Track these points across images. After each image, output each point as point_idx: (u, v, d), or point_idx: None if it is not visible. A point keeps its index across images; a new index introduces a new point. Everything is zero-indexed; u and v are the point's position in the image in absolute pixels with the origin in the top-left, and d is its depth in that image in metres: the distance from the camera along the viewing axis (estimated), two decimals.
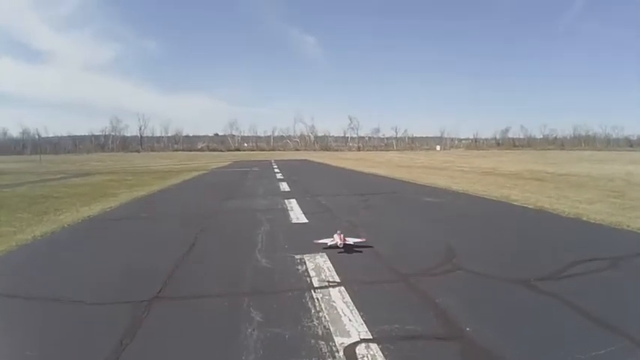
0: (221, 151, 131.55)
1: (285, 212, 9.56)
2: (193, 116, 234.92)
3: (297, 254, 5.63)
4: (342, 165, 37.08)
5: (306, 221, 8.39)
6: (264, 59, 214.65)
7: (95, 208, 10.89)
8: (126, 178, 24.57)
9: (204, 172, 30.22)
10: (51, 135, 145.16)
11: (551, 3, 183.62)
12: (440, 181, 17.74)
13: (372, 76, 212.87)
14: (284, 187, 16.09)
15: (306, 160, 56.97)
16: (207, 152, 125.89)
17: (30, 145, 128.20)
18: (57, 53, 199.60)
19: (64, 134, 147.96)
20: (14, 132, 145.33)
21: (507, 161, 42.90)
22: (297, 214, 9.15)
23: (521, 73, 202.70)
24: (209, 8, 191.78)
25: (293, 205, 10.70)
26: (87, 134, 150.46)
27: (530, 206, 10.19)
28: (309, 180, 20.64)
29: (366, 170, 27.97)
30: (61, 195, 14.77)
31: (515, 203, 10.76)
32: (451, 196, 12.55)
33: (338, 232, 6.05)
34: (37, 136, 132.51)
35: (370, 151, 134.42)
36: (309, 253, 5.68)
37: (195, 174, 27.35)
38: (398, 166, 33.80)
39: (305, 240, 6.46)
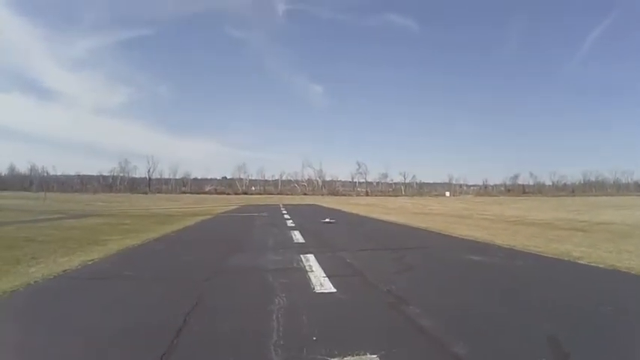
0: (229, 194, 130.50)
1: (303, 274, 7.51)
2: (202, 159, 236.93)
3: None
4: (354, 211, 35.20)
5: (333, 290, 6.30)
6: (272, 105, 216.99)
7: (76, 260, 9.18)
8: (124, 222, 22.73)
9: (209, 216, 28.32)
10: (59, 173, 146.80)
11: (557, 50, 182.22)
12: (471, 232, 15.68)
13: (379, 122, 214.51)
14: (297, 237, 14.00)
15: (315, 205, 55.15)
16: (215, 195, 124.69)
17: (37, 182, 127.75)
18: (67, 93, 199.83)
19: (73, 173, 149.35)
20: (22, 168, 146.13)
21: (528, 209, 40.77)
22: (319, 278, 7.09)
23: (530, 120, 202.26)
24: (219, 55, 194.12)
25: (311, 262, 8.66)
26: (95, 174, 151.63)
27: (600, 265, 8.43)
28: (323, 229, 18.61)
29: (383, 217, 25.99)
30: (47, 239, 13.10)
31: (581, 262, 8.93)
32: (499, 253, 10.43)
33: None
34: (45, 174, 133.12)
35: (378, 196, 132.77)
36: (354, 354, 3.68)
37: (199, 219, 25.43)
38: (414, 213, 31.83)
39: (339, 324, 4.63)
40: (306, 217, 28.67)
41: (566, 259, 9.34)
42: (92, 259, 9.35)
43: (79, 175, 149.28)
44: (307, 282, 6.84)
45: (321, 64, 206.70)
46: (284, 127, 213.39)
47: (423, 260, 9.51)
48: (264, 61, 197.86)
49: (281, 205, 48.15)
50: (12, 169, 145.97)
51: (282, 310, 5.18)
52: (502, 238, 13.52)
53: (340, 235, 15.73)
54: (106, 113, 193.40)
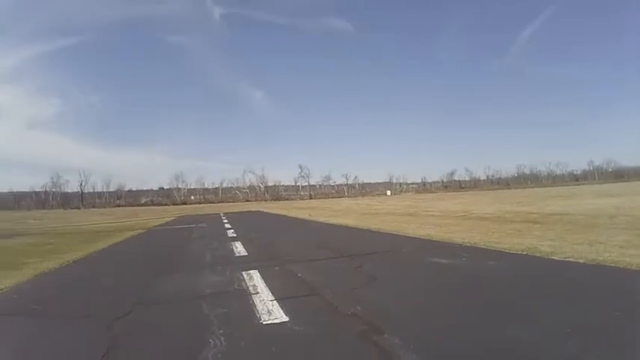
0: (166, 205, 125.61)
1: (246, 298, 6.05)
2: (137, 170, 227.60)
3: None
4: (300, 216, 33.71)
5: (285, 319, 4.93)
6: (211, 112, 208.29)
7: None
8: (49, 241, 20.34)
9: (141, 231, 26.00)
10: None
11: (494, 43, 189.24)
12: (425, 231, 14.74)
13: (321, 125, 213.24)
14: (239, 249, 12.37)
15: (258, 211, 53.38)
16: (152, 207, 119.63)
17: None
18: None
19: (6, 190, 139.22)
20: None
21: (470, 203, 40.99)
22: (265, 303, 5.67)
23: (464, 117, 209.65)
24: (154, 62, 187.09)
25: (256, 281, 7.22)
26: (28, 190, 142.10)
27: (581, 260, 7.58)
28: (269, 237, 17.09)
29: (331, 220, 24.68)
30: None
31: (556, 258, 8.08)
32: (464, 252, 9.41)
33: None
34: None
35: (322, 199, 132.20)
36: None
37: (129, 234, 23.19)
38: (362, 214, 30.87)
39: None
40: (249, 225, 27.05)
41: (538, 255, 8.48)
42: (1, 289, 7.84)
43: (11, 192, 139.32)
44: (251, 309, 5.43)
45: (261, 68, 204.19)
46: (224, 135, 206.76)
47: (385, 268, 8.28)
48: (203, 67, 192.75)
49: (222, 214, 45.83)
50: None
51: (219, 358, 3.79)
52: (459, 235, 12.62)
53: (287, 243, 14.30)
54: (38, 127, 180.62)
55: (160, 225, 32.10)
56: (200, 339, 4.32)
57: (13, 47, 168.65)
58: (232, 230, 20.79)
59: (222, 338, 4.30)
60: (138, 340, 4.60)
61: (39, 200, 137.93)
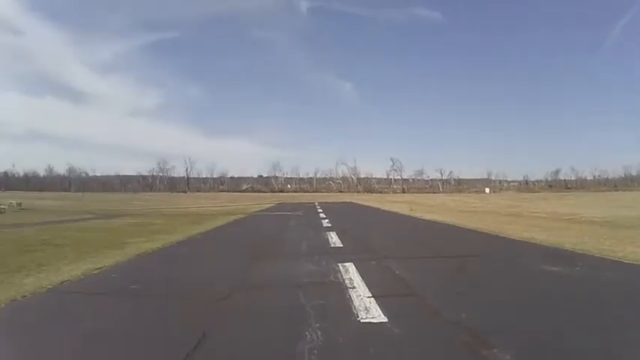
0: (264, 192, 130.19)
1: (342, 292, 5.92)
2: (238, 158, 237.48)
3: None
4: (393, 209, 33.27)
5: (384, 319, 4.68)
6: (304, 104, 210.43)
7: (81, 268, 8.06)
8: (153, 221, 21.82)
9: (242, 216, 27.13)
10: (99, 174, 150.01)
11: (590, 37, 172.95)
12: (530, 233, 13.68)
13: (413, 116, 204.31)
14: (334, 240, 12.38)
15: (351, 202, 53.50)
16: (252, 193, 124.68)
17: (76, 183, 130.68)
18: (100, 96, 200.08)
19: (112, 174, 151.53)
20: (61, 169, 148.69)
21: (578, 205, 37.99)
22: (362, 300, 5.47)
23: (570, 113, 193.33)
24: (246, 55, 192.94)
25: (352, 274, 7.08)
26: (134, 174, 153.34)
27: None
28: (363, 230, 16.96)
29: (427, 216, 24.00)
30: (64, 242, 12.17)
31: None
32: (575, 260, 8.49)
33: None
34: (83, 174, 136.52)
35: (415, 193, 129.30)
36: None
37: (231, 218, 24.25)
38: (459, 212, 29.76)
39: None
40: (343, 216, 27.14)
41: None
42: (100, 267, 8.22)
43: (118, 176, 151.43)
44: (348, 305, 5.26)
45: (348, 60, 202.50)
46: (317, 125, 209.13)
47: (489, 272, 7.74)
48: (292, 60, 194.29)
49: (316, 204, 46.60)
50: (50, 170, 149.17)
51: (316, 355, 3.66)
52: (569, 240, 11.55)
53: (382, 237, 14.07)
54: (141, 115, 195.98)
55: (259, 211, 33.25)
56: (296, 331, 4.23)
57: (110, 39, 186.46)
58: (327, 220, 20.94)
59: (319, 333, 4.17)
60: (234, 326, 4.62)
61: (145, 184, 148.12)
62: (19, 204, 37.17)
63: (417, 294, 5.92)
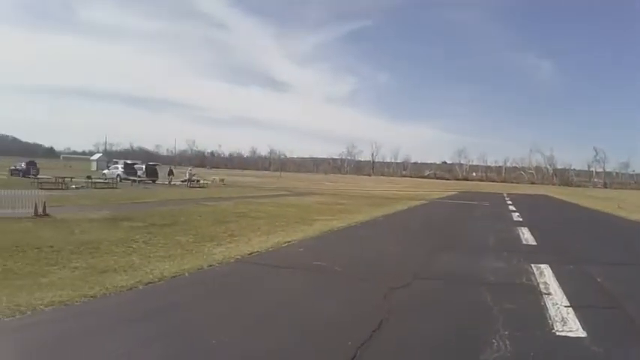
0: (448, 179, 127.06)
1: (535, 297, 5.35)
2: (421, 144, 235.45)
3: None
4: (597, 206, 29.16)
5: (582, 334, 4.07)
6: (493, 88, 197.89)
7: (271, 241, 8.88)
8: (340, 201, 22.98)
9: (424, 202, 26.86)
10: (295, 156, 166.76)
11: None
12: None
13: (624, 100, 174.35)
14: (526, 236, 11.39)
15: (545, 196, 48.87)
16: (434, 180, 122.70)
17: (275, 163, 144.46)
18: (299, 85, 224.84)
19: (307, 156, 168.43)
20: (262, 151, 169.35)
21: None
22: (559, 308, 4.86)
23: None
24: (435, 39, 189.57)
25: (547, 278, 6.38)
26: (326, 157, 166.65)
27: None
28: (559, 228, 15.39)
29: (632, 217, 20.61)
30: (259, 215, 13.59)
31: None
32: None
33: None
34: (282, 156, 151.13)
35: (618, 189, 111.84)
36: None
37: (412, 203, 24.18)
38: None
39: None
40: (536, 210, 24.94)
41: None
42: (289, 241, 8.93)
43: (312, 158, 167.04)
44: (542, 313, 4.75)
45: (548, 37, 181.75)
46: (509, 110, 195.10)
47: None
48: (483, 38, 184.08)
49: (505, 195, 43.66)
50: (253, 151, 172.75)
51: None
52: None
53: (583, 238, 12.56)
54: (334, 102, 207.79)
55: (442, 198, 32.59)
56: (481, 336, 3.93)
57: (310, 32, 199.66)
58: (518, 214, 19.46)
59: (507, 342, 3.78)
60: (412, 319, 4.48)
61: (335, 166, 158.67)
62: (222, 180, 42.35)
63: (622, 307, 5.10)
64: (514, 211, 21.12)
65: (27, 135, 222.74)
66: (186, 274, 5.92)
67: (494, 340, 3.80)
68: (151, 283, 5.39)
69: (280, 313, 4.51)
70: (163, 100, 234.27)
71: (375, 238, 10.55)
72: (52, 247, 7.53)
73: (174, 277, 5.73)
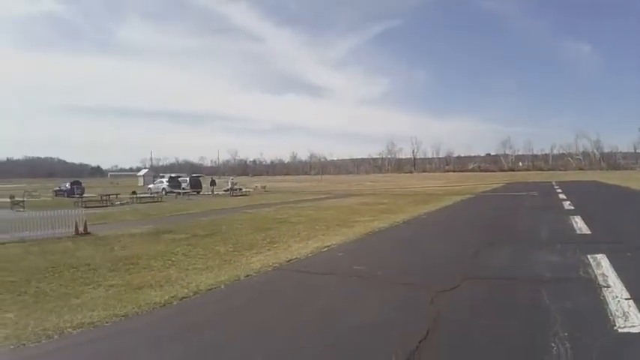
0: (493, 171, 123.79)
1: (594, 293, 4.90)
2: (464, 137, 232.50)
3: None
4: None
5: None
6: (535, 74, 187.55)
7: (311, 246, 8.73)
8: (382, 201, 22.65)
9: (470, 196, 26.08)
10: (335, 158, 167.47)
11: None
12: None
13: None
14: (579, 225, 10.75)
15: (594, 181, 46.65)
16: (479, 173, 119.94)
17: (316, 167, 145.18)
18: (334, 90, 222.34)
19: (346, 157, 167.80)
20: (303, 156, 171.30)
21: None
22: (620, 302, 4.44)
23: None
24: (470, 30, 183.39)
25: (605, 269, 5.91)
26: (366, 157, 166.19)
27: None
28: (612, 214, 14.56)
29: None
30: (299, 220, 13.50)
31: None
32: None
33: None
34: (322, 159, 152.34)
35: None
36: None
37: (457, 199, 23.51)
38: None
39: None
40: (587, 197, 23.80)
41: None
42: (328, 245, 8.72)
43: (352, 159, 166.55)
44: (602, 308, 4.35)
45: (587, 19, 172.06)
46: (552, 97, 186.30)
47: None
48: (520, 27, 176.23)
49: (554, 183, 42.00)
50: (294, 157, 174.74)
51: None
52: None
53: (638, 223, 11.71)
54: (371, 102, 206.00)
55: (488, 191, 31.65)
56: (540, 340, 3.59)
57: (341, 37, 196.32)
58: (568, 202, 18.52)
59: (568, 345, 3.45)
60: (463, 325, 4.13)
61: (375, 165, 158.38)
62: (264, 187, 42.86)
63: None
64: (564, 200, 20.15)
65: (73, 156, 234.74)
66: (222, 286, 5.81)
67: (553, 344, 3.49)
68: (185, 297, 5.31)
69: (319, 325, 4.29)
70: (205, 114, 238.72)
71: (419, 237, 10.18)
72: (88, 265, 7.66)
73: (210, 289, 5.64)
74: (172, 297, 5.30)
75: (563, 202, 18.64)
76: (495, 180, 58.45)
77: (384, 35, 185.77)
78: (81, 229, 11.96)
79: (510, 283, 5.60)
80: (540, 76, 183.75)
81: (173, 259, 7.93)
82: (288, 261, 7.29)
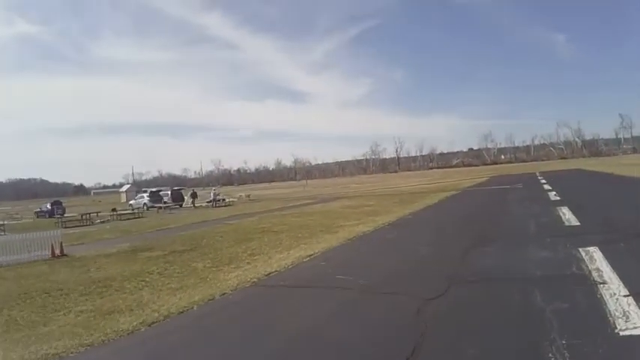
0: (476, 165, 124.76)
1: (590, 290, 4.59)
2: (446, 134, 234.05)
3: None
4: (633, 174, 27.43)
5: None
6: (512, 66, 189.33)
7: (292, 256, 8.34)
8: (366, 203, 22.38)
9: (455, 192, 25.95)
10: (320, 162, 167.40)
11: None
12: None
13: None
14: (567, 217, 10.51)
15: (578, 169, 46.96)
16: (462, 168, 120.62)
17: (301, 172, 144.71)
18: (314, 93, 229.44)
19: (331, 161, 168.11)
20: (287, 161, 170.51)
21: None
22: (618, 301, 4.13)
23: None
24: (445, 26, 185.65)
25: (599, 263, 5.62)
26: (350, 159, 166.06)
27: None
28: (601, 202, 14.34)
29: None
30: (282, 229, 13.14)
31: None
32: None
33: None
34: (306, 164, 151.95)
35: None
36: None
37: (442, 196, 23.33)
38: None
39: None
40: (572, 186, 23.80)
41: None
42: (311, 255, 8.39)
43: (336, 162, 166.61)
44: (600, 308, 4.04)
45: (561, 8, 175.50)
46: (530, 88, 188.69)
47: None
48: (494, 19, 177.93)
49: (537, 174, 42.05)
50: (278, 163, 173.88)
51: None
52: None
53: (629, 209, 11.47)
54: (352, 104, 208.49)
55: (472, 186, 31.55)
56: (535, 350, 3.28)
57: (318, 40, 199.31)
58: (554, 193, 18.36)
59: (567, 354, 3.14)
60: (452, 337, 3.77)
61: (360, 167, 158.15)
62: (248, 195, 42.36)
63: None
64: (550, 190, 20.02)
65: (55, 175, 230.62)
66: (195, 308, 5.41)
67: (551, 355, 3.15)
68: (155, 322, 4.93)
69: (295, 347, 3.92)
70: (186, 126, 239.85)
71: (405, 240, 9.84)
72: (61, 290, 7.28)
73: (182, 312, 5.25)
74: (141, 323, 4.92)
75: (549, 193, 18.48)
76: (479, 174, 58.64)
77: (361, 36, 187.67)
78: (57, 251, 11.47)
79: (501, 285, 5.31)
80: (518, 68, 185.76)
81: (147, 279, 7.50)
82: (267, 275, 6.89)
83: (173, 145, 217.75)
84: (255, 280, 6.63)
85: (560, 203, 13.73)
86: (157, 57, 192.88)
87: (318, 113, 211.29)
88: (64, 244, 11.84)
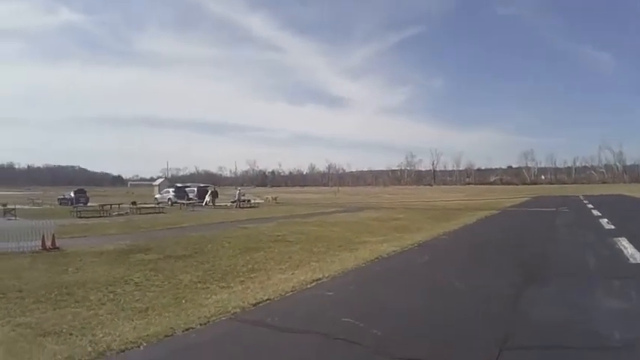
0: (515, 184, 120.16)
1: None
2: (484, 149, 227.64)
3: None
4: None
5: None
6: (555, 84, 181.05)
7: (297, 278, 6.92)
8: (397, 216, 20.80)
9: (494, 212, 23.95)
10: (353, 170, 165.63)
11: None
12: None
13: None
14: (630, 251, 8.69)
15: (621, 195, 43.95)
16: (501, 186, 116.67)
17: (334, 178, 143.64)
18: (353, 99, 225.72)
19: (365, 169, 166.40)
20: (321, 167, 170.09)
21: None
22: None
23: None
24: (487, 39, 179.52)
25: None
26: (384, 169, 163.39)
27: None
28: None
29: None
30: (297, 239, 11.88)
31: None
32: None
33: None
34: (340, 170, 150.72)
35: None
36: None
37: (481, 214, 21.49)
38: None
39: None
40: (622, 213, 21.61)
41: None
42: (318, 279, 6.88)
43: (370, 171, 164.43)
44: None
45: (607, 26, 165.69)
46: (574, 106, 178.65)
47: None
48: (538, 34, 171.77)
49: (581, 197, 39.26)
50: (312, 167, 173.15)
51: None
52: None
53: None
54: (389, 112, 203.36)
55: (513, 206, 29.46)
56: None
57: (358, 46, 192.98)
58: (606, 220, 16.22)
59: None
60: None
61: (394, 177, 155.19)
62: (275, 198, 41.32)
63: None
64: (600, 217, 17.94)
65: (95, 165, 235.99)
66: (143, 346, 3.98)
67: None
68: None
69: None
70: (225, 124, 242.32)
71: (437, 268, 8.11)
72: (21, 291, 6.19)
73: (124, 350, 3.87)
74: (67, 357, 3.66)
75: (600, 220, 16.46)
76: (519, 194, 55.89)
77: (404, 43, 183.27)
78: (48, 243, 10.45)
79: (566, 354, 3.70)
80: (562, 84, 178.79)
81: (119, 290, 6.24)
82: (254, 304, 5.34)
83: (211, 142, 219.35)
84: (237, 310, 5.10)
85: (617, 233, 11.88)
86: (200, 53, 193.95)
87: (355, 119, 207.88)
88: (66, 236, 10.99)
